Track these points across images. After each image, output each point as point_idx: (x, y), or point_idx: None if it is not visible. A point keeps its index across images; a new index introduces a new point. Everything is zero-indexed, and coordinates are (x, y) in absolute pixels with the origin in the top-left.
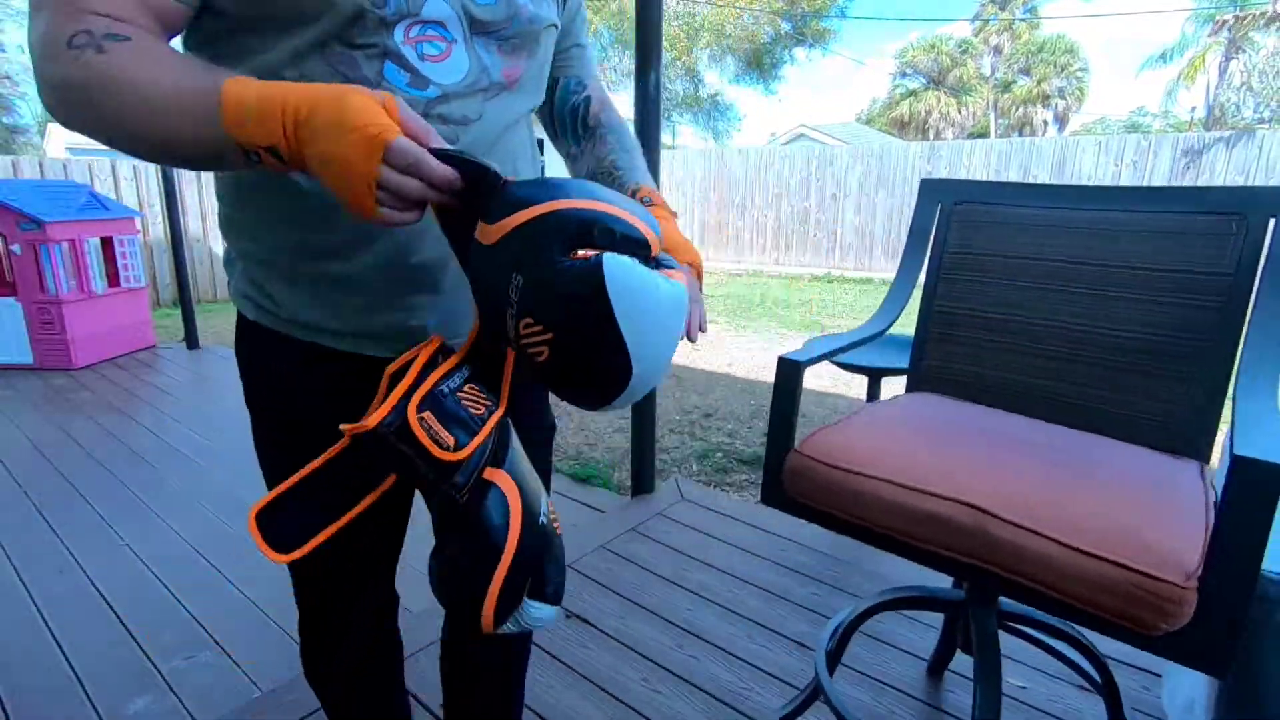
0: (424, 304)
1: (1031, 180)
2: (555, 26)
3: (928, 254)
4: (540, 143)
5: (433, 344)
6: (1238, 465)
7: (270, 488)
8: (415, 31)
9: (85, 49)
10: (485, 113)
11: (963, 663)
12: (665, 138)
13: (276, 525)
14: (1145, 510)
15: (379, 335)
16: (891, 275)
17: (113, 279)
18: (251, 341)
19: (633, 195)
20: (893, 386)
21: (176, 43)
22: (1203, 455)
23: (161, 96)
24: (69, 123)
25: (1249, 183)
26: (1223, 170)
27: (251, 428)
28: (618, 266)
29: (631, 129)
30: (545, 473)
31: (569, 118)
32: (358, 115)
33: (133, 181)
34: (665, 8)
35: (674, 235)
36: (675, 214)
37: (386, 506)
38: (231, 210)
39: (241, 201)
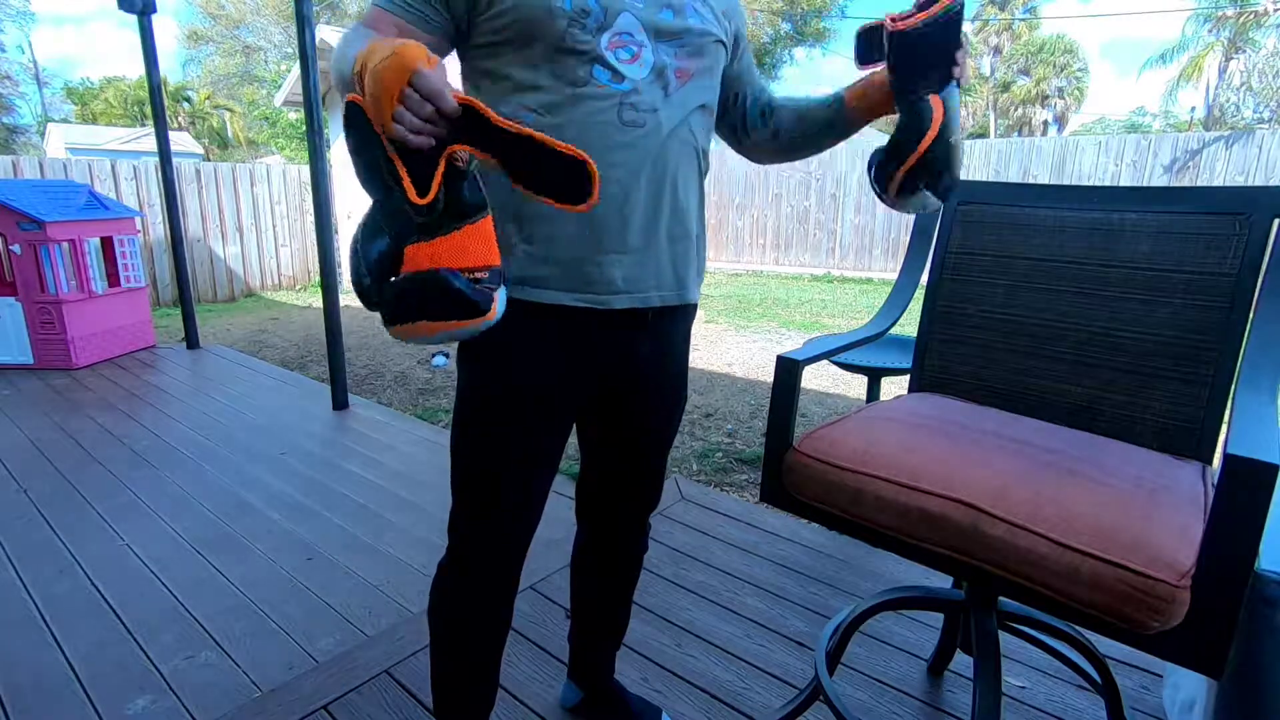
0: (612, 261)
1: (1031, 180)
2: (722, 43)
3: (930, 254)
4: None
5: None
6: (1231, 464)
7: (482, 445)
8: (615, 39)
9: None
10: (663, 105)
11: (963, 663)
12: None
13: None
14: (1141, 509)
15: (575, 287)
16: (891, 275)
17: (113, 279)
18: None
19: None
20: (892, 386)
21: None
22: (1205, 456)
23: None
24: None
25: (1249, 183)
26: (1223, 170)
27: (466, 390)
28: None
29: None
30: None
31: (760, 109)
32: (407, 49)
33: (133, 181)
34: None
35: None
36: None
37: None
38: None
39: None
